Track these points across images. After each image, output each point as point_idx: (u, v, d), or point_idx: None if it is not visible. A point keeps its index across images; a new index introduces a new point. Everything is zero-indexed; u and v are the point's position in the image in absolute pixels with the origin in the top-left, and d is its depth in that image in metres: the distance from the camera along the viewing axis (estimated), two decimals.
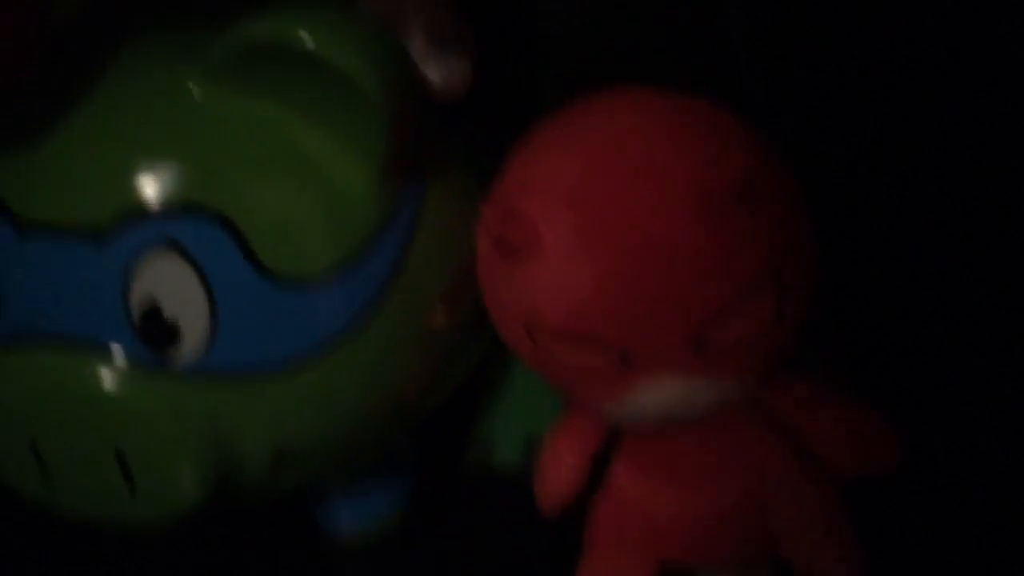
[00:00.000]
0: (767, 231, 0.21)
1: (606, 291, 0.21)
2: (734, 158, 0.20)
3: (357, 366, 0.22)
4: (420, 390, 0.25)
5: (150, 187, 0.20)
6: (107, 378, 0.20)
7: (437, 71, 0.22)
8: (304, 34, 0.19)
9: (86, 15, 0.20)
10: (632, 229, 0.20)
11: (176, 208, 0.20)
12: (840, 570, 0.24)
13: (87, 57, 0.20)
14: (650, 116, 0.21)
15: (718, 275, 0.20)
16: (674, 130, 0.21)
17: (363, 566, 0.30)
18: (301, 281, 0.20)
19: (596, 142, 0.21)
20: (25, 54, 0.19)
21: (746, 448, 0.25)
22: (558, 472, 0.26)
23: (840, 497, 0.25)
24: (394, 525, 0.29)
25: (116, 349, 0.20)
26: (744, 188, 0.20)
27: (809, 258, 0.22)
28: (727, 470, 0.25)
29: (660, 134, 0.21)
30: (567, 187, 0.21)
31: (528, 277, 0.21)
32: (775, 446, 0.25)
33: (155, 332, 0.20)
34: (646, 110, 0.22)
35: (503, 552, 0.30)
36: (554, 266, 0.21)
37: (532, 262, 0.21)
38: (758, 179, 0.20)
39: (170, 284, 0.20)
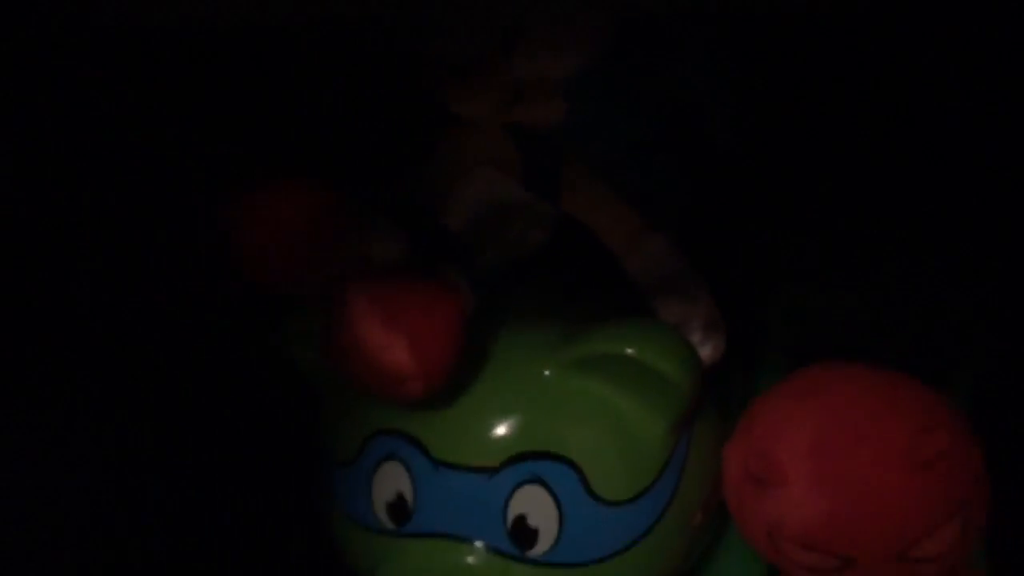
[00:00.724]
0: (958, 481, 0.29)
1: (835, 519, 0.29)
2: (937, 432, 0.28)
3: (643, 558, 0.31)
4: (679, 568, 0.33)
5: (524, 441, 0.30)
6: (483, 563, 0.30)
7: (706, 352, 0.31)
8: (631, 349, 0.28)
9: (478, 314, 0.30)
10: (856, 478, 0.29)
11: (541, 455, 0.29)
12: None
13: (480, 346, 0.30)
14: (870, 390, 0.30)
15: (919, 514, 0.29)
16: (891, 403, 0.30)
17: None
18: (618, 505, 0.30)
19: (828, 408, 0.30)
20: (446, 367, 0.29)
21: None
22: None
23: None
24: None
25: (492, 545, 0.30)
26: (944, 455, 0.28)
27: (986, 493, 0.30)
28: None
29: (879, 406, 0.29)
30: (807, 443, 0.30)
31: (774, 501, 0.30)
32: None
33: (521, 535, 0.29)
34: (867, 385, 0.30)
35: None
36: (796, 497, 0.30)
37: (778, 492, 0.30)
38: (954, 448, 0.28)
39: (534, 505, 0.29)
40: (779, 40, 0.35)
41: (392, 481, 0.31)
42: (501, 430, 0.30)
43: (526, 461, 0.29)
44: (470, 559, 0.30)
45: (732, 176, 0.37)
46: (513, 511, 0.29)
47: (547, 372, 0.30)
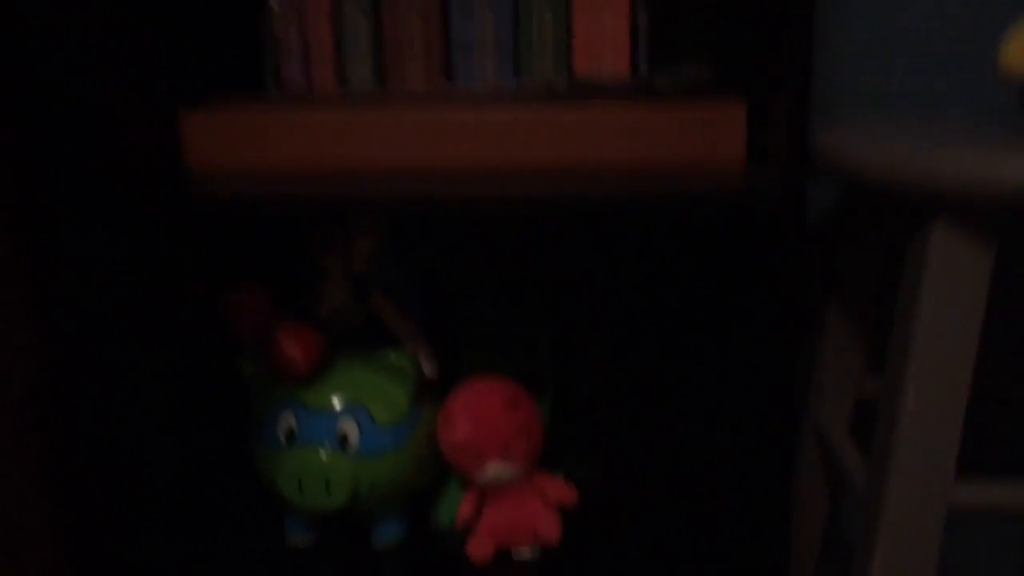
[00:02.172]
0: (524, 416, 0.71)
1: (473, 437, 0.70)
2: (517, 395, 0.71)
3: (399, 456, 0.71)
4: (418, 475, 0.73)
5: (346, 398, 0.70)
6: (327, 457, 0.69)
7: (428, 369, 0.73)
8: (394, 361, 0.70)
9: (332, 346, 0.71)
10: (482, 417, 0.70)
11: (353, 404, 0.70)
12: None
13: (333, 359, 0.71)
14: (492, 381, 0.72)
15: (509, 431, 0.70)
16: (499, 385, 0.72)
17: (389, 558, 0.75)
18: (386, 426, 0.70)
19: (472, 388, 0.72)
20: (314, 362, 0.69)
21: (528, 497, 0.73)
22: (466, 512, 0.74)
23: (556, 515, 0.73)
24: (401, 540, 0.76)
25: (330, 446, 0.69)
26: (516, 402, 0.70)
27: (538, 425, 0.72)
28: (522, 505, 0.73)
29: (494, 386, 0.72)
30: (462, 403, 0.71)
31: (449, 432, 0.71)
32: (536, 495, 0.73)
33: (344, 441, 0.69)
34: (492, 380, 0.73)
35: (437, 553, 0.76)
36: (458, 430, 0.71)
37: (450, 427, 0.71)
38: (521, 400, 0.71)
39: (349, 426, 0.69)
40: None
41: (286, 421, 0.70)
42: (336, 393, 0.70)
43: (346, 407, 0.70)
44: (322, 453, 0.69)
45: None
46: (340, 430, 0.69)
47: (358, 370, 0.71)
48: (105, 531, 0.65)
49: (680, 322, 0.81)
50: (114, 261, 0.65)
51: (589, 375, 0.83)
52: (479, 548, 0.73)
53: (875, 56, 0.79)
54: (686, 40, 0.74)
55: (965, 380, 0.53)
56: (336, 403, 0.70)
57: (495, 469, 0.71)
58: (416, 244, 0.77)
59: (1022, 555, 0.89)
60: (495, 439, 0.70)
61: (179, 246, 0.71)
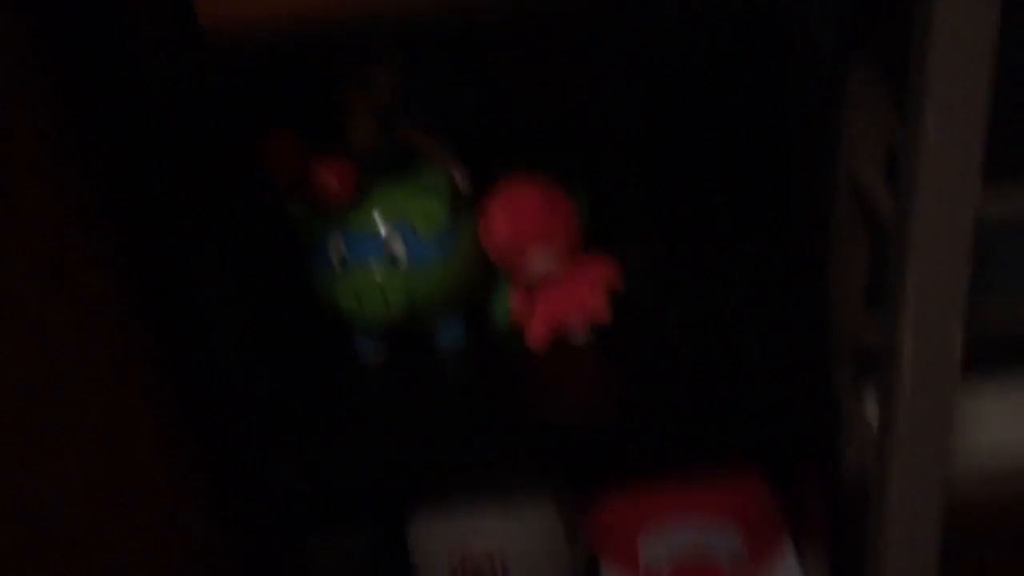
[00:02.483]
0: (560, 208, 0.75)
1: (516, 235, 0.75)
2: (551, 191, 0.74)
3: (449, 267, 0.76)
4: (468, 281, 0.78)
5: (389, 218, 0.74)
6: (380, 274, 0.74)
7: (461, 183, 0.76)
8: (427, 177, 0.74)
9: (365, 172, 0.75)
10: (521, 216, 0.74)
11: (396, 222, 0.74)
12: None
13: (369, 185, 0.75)
14: (530, 182, 0.76)
15: (547, 222, 0.75)
16: (535, 185, 0.75)
17: (453, 360, 0.82)
18: (430, 239, 0.74)
19: (509, 188, 0.76)
20: (352, 189, 0.73)
21: (574, 281, 0.78)
22: (518, 305, 0.80)
23: (603, 293, 0.78)
24: (463, 342, 0.82)
25: (381, 264, 0.74)
26: (551, 195, 0.74)
27: (574, 216, 0.76)
28: (570, 290, 0.78)
29: (533, 186, 0.75)
30: (501, 206, 0.75)
31: (492, 235, 0.75)
32: (582, 279, 0.78)
33: (392, 257, 0.74)
34: (529, 181, 0.76)
35: (497, 350, 0.82)
36: (499, 228, 0.75)
37: (493, 228, 0.75)
38: (556, 193, 0.74)
39: (395, 243, 0.74)
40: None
41: (337, 248, 0.75)
42: (378, 215, 0.75)
43: (390, 226, 0.74)
44: (374, 271, 0.74)
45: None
46: (387, 247, 0.74)
47: (396, 192, 0.75)
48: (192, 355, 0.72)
49: (710, 101, 0.83)
50: (150, 122, 0.68)
51: (624, 167, 0.86)
52: (535, 334, 0.79)
53: None
54: None
55: (982, 97, 0.54)
56: (380, 224, 0.74)
57: (538, 261, 0.76)
58: (439, 68, 0.79)
59: None
60: (534, 232, 0.75)
61: (206, 100, 0.74)
